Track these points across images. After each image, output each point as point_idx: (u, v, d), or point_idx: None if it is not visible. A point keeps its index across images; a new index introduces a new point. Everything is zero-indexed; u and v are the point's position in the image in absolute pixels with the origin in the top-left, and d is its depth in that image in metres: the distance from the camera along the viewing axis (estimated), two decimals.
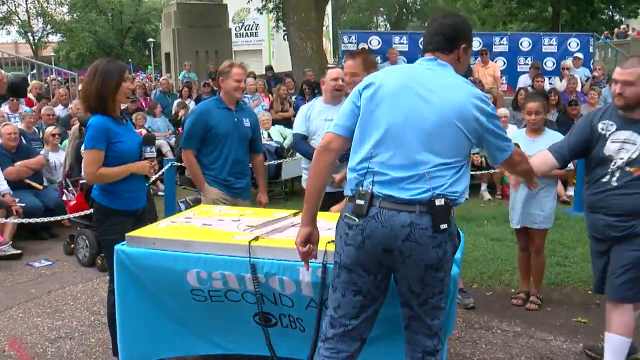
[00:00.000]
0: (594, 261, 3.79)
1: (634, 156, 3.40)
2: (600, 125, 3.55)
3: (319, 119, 4.74)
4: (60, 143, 8.25)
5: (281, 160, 9.01)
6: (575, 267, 5.71)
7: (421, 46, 13.50)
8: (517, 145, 4.52)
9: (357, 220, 2.55)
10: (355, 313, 2.66)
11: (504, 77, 13.77)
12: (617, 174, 3.46)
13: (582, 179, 7.93)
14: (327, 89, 4.80)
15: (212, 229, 3.49)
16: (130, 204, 3.79)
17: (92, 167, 3.64)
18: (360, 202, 2.55)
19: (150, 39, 39.57)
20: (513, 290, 5.17)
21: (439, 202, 2.50)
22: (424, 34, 2.85)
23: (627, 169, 3.42)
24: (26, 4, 41.49)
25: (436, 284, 2.60)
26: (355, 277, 2.62)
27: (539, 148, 4.71)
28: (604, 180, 3.51)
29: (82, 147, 6.59)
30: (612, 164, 3.47)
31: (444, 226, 2.50)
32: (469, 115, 2.58)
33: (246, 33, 33.74)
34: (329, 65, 4.42)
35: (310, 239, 2.78)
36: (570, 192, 8.62)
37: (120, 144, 3.69)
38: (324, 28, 23.71)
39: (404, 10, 53.25)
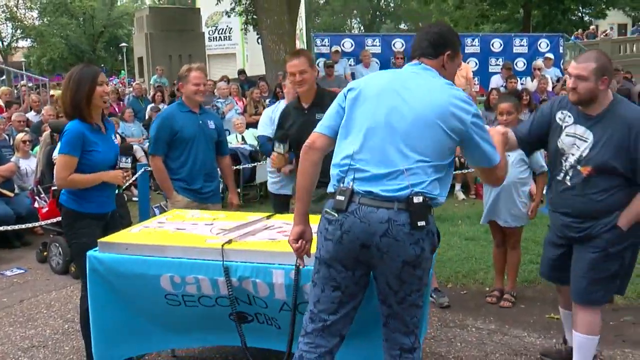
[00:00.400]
0: (545, 247, 3.77)
1: (584, 154, 3.33)
2: (559, 115, 3.50)
3: None
4: (32, 150, 8.15)
5: (255, 164, 8.99)
6: None
7: (394, 48, 13.66)
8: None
9: (336, 215, 2.60)
10: (334, 308, 2.70)
11: (476, 78, 13.88)
12: (570, 173, 3.40)
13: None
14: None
15: (185, 233, 3.48)
16: (98, 207, 3.78)
17: (63, 172, 3.65)
18: (340, 197, 2.60)
19: (123, 44, 39.26)
20: (487, 289, 5.22)
21: (417, 199, 2.53)
22: (411, 44, 2.91)
23: (578, 167, 3.36)
24: None
25: (414, 282, 2.62)
26: (334, 273, 2.66)
27: (517, 151, 4.77)
28: (559, 179, 3.47)
29: (54, 154, 6.54)
30: (564, 159, 3.42)
31: (421, 223, 2.54)
32: (450, 114, 2.62)
33: (219, 37, 33.63)
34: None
35: (303, 236, 2.82)
36: (543, 190, 8.72)
37: (94, 153, 3.69)
38: (298, 31, 23.70)
39: (377, 12, 53.51)
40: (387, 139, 2.61)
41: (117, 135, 4.26)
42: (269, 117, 4.95)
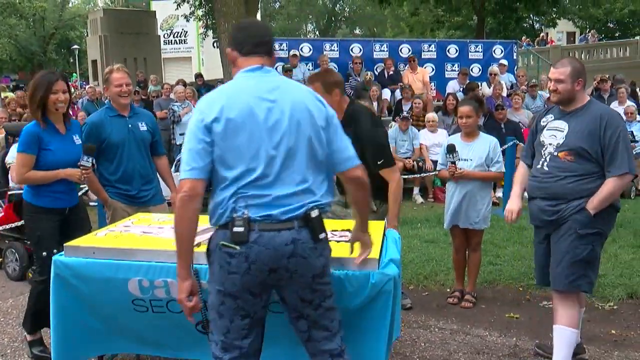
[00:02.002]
0: (534, 251, 4.01)
1: (560, 142, 3.66)
2: (542, 120, 3.88)
3: None
4: None
5: None
6: (507, 265, 5.93)
7: (352, 53, 13.77)
8: (452, 146, 4.69)
9: (238, 248, 2.51)
10: (246, 334, 2.64)
11: (432, 83, 14.12)
12: (548, 159, 3.71)
13: (510, 181, 8.28)
14: None
15: (152, 237, 3.46)
16: (52, 202, 4.06)
17: (20, 169, 3.98)
18: (238, 229, 2.49)
19: (75, 46, 38.52)
20: (448, 290, 5.32)
21: (314, 213, 2.56)
22: (239, 38, 2.74)
23: (555, 153, 3.67)
24: None
25: (325, 289, 2.67)
26: (242, 303, 2.59)
27: (475, 151, 4.93)
28: (538, 166, 3.78)
29: (7, 158, 6.41)
30: (544, 149, 3.74)
31: (322, 235, 2.59)
32: (319, 116, 2.64)
33: (175, 40, 33.35)
34: None
35: (192, 291, 2.66)
36: (499, 193, 8.93)
37: (46, 152, 3.98)
38: None
39: (333, 17, 53.80)
40: (271, 162, 2.56)
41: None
42: None
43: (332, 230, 3.51)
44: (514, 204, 4.00)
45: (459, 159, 4.88)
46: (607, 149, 3.55)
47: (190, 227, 2.56)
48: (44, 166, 3.98)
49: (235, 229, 2.49)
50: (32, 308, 4.17)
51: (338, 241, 3.30)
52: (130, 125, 4.60)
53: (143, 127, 4.68)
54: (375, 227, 3.60)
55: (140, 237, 3.46)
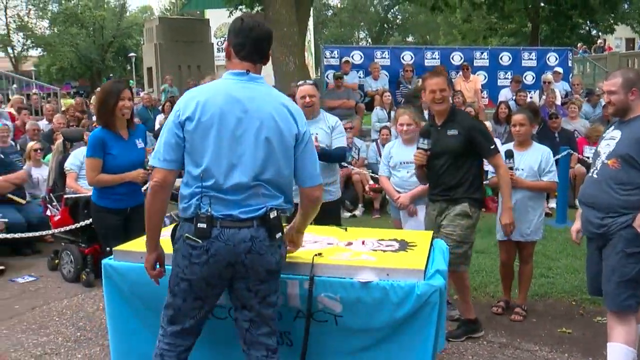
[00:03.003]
0: (586, 260, 3.94)
1: (612, 149, 3.60)
2: (606, 131, 3.86)
3: None
4: (43, 158, 8.20)
5: None
6: (559, 278, 5.78)
7: (403, 61, 13.70)
8: (510, 152, 4.67)
9: (200, 242, 2.70)
10: (194, 314, 2.87)
11: (485, 91, 13.91)
12: (599, 167, 3.65)
13: (564, 192, 8.10)
14: (299, 106, 4.90)
15: None
16: (113, 203, 4.55)
17: (90, 173, 4.49)
18: (201, 225, 2.68)
19: (132, 54, 39.49)
20: (498, 301, 5.21)
21: (273, 214, 2.75)
22: (240, 40, 2.79)
23: (606, 161, 3.61)
24: (6, 18, 41.22)
25: (273, 283, 2.86)
26: (197, 289, 2.81)
27: (527, 161, 4.85)
28: (590, 174, 3.74)
29: (65, 164, 6.60)
30: (598, 158, 3.69)
31: (279, 235, 2.79)
32: (287, 127, 2.77)
33: None
34: (299, 83, 4.51)
35: (158, 262, 2.96)
36: (553, 204, 8.72)
37: (109, 156, 4.44)
38: (306, 43, 23.83)
39: (385, 25, 53.70)
40: (236, 162, 2.72)
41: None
42: None
43: (379, 240, 3.49)
44: (578, 224, 3.92)
45: (513, 167, 4.81)
46: None
47: (158, 213, 2.85)
48: (107, 169, 4.45)
49: (199, 225, 2.69)
50: None
51: (384, 251, 3.28)
52: None
53: None
54: (423, 237, 3.57)
55: None
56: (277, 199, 2.79)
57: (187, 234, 2.72)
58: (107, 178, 4.46)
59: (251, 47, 2.78)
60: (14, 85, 16.27)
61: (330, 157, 4.90)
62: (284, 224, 2.93)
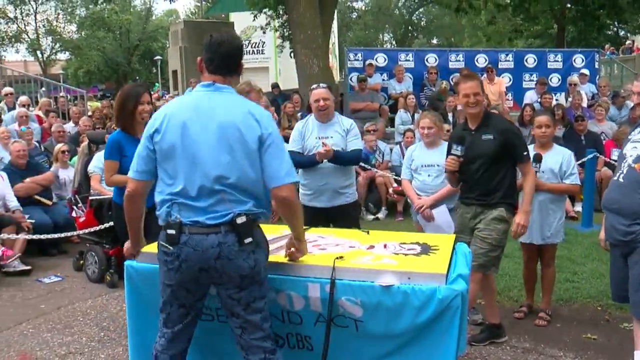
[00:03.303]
0: (610, 267, 3.87)
1: (639, 152, 3.55)
2: (631, 133, 3.80)
3: (313, 137, 4.90)
4: (70, 160, 8.31)
5: None
6: (584, 283, 5.70)
7: (427, 63, 13.65)
8: (539, 156, 4.63)
9: (171, 248, 2.82)
10: (181, 320, 2.99)
11: (509, 94, 13.79)
12: (625, 171, 3.58)
13: (590, 195, 7.99)
14: (313, 110, 4.95)
15: None
16: None
17: (106, 173, 4.61)
18: (171, 231, 2.81)
19: (158, 57, 39.87)
20: (521, 307, 5.15)
21: (241, 220, 2.78)
22: (210, 55, 2.94)
23: (633, 165, 3.53)
24: (35, 22, 41.88)
25: (254, 289, 2.87)
26: (178, 295, 2.93)
27: (548, 164, 4.79)
28: (615, 178, 3.67)
29: (89, 166, 6.68)
30: (624, 161, 3.61)
31: (248, 240, 2.79)
32: (250, 132, 2.80)
33: (253, 50, 33.90)
34: (313, 86, 4.57)
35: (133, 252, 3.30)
36: (578, 207, 8.61)
37: (125, 158, 4.45)
38: (330, 45, 23.83)
39: (410, 27, 53.51)
40: (200, 171, 2.81)
41: None
42: (299, 132, 5.01)
43: (401, 243, 3.48)
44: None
45: (538, 171, 4.77)
46: None
47: (135, 220, 3.13)
48: (123, 171, 4.35)
49: (169, 231, 2.82)
50: None
51: (406, 254, 3.26)
52: None
53: None
54: (445, 241, 3.55)
55: None
56: (245, 204, 2.82)
57: (160, 241, 2.89)
58: (121, 179, 4.44)
59: (219, 61, 2.91)
60: (43, 89, 16.50)
61: (344, 159, 4.90)
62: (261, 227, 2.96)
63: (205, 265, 2.79)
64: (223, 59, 2.91)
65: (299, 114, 11.66)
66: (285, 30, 21.04)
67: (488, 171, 4.23)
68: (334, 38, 30.48)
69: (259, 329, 2.91)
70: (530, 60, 14.37)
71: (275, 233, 3.75)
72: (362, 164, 8.55)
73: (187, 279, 2.86)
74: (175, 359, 3.04)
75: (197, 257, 2.78)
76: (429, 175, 4.98)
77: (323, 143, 4.75)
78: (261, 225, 3.96)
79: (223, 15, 32.97)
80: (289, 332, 3.21)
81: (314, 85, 5.09)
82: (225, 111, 2.83)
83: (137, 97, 4.51)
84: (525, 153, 4.26)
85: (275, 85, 15.89)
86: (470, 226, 4.32)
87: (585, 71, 13.48)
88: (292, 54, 16.93)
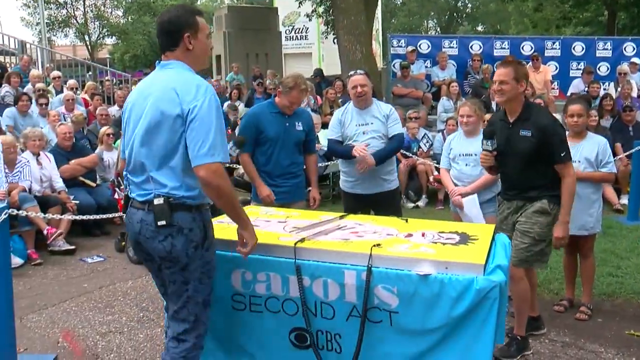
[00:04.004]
0: None
1: None
2: None
3: (353, 125, 4.89)
4: (114, 142, 8.45)
5: (328, 163, 9.06)
6: (629, 278, 5.56)
7: (471, 51, 13.44)
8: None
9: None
10: (160, 290, 3.13)
11: (555, 82, 13.49)
12: None
13: (637, 187, 7.78)
14: (351, 96, 4.94)
15: (258, 230, 3.50)
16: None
17: None
18: (126, 204, 3.05)
19: None
20: (561, 300, 5.05)
21: (158, 201, 2.80)
22: (157, 34, 3.04)
23: None
24: (84, 7, 42.59)
25: (176, 273, 2.87)
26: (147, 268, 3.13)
27: (582, 153, 4.69)
28: None
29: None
30: None
31: (161, 223, 2.79)
32: (169, 108, 2.76)
33: (296, 36, 33.88)
34: (350, 73, 4.55)
35: None
36: (624, 200, 8.39)
37: None
38: (374, 32, 23.65)
39: (455, 14, 52.72)
40: (135, 149, 2.90)
41: None
42: (339, 120, 5.02)
43: (440, 232, 3.43)
44: None
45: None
46: None
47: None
48: None
49: (127, 205, 3.04)
50: None
51: (444, 243, 3.22)
52: (287, 124, 4.90)
53: (299, 126, 4.99)
54: (484, 231, 3.49)
55: None
56: (164, 186, 2.82)
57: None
58: None
59: (160, 38, 2.98)
60: (90, 73, 16.82)
61: (388, 155, 4.89)
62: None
63: (134, 238, 2.95)
64: (162, 36, 2.96)
65: (340, 100, 11.63)
66: (329, 16, 20.95)
67: (527, 169, 4.03)
68: (377, 24, 30.21)
69: (175, 311, 2.94)
70: (578, 48, 14.01)
71: (314, 219, 3.75)
72: (403, 151, 8.48)
73: (135, 249, 3.06)
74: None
75: (130, 229, 2.96)
76: (466, 165, 4.90)
77: (361, 150, 4.75)
78: (300, 211, 3.96)
79: (267, 1, 33.03)
80: (319, 329, 3.16)
81: (351, 72, 5.08)
82: (155, 89, 2.86)
83: None
84: (563, 154, 3.95)
85: (318, 72, 15.85)
86: (512, 221, 4.16)
87: (636, 60, 13.07)
88: (334, 40, 16.84)
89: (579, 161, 4.68)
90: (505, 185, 4.26)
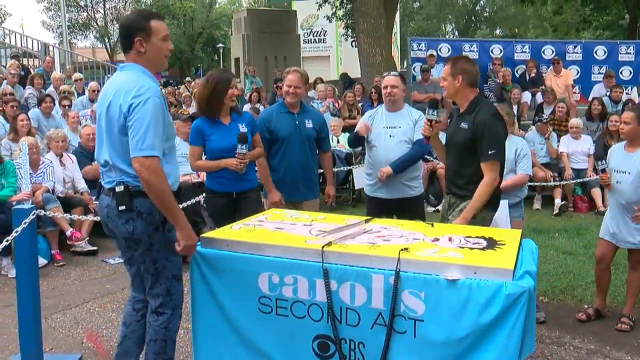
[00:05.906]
0: None
1: None
2: None
3: (380, 125, 4.90)
4: None
5: (350, 167, 9.06)
6: None
7: (492, 54, 13.37)
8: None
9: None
10: (127, 269, 3.47)
11: (577, 87, 13.39)
12: None
13: None
14: (383, 96, 4.98)
15: (285, 233, 3.51)
16: (220, 187, 4.70)
17: (191, 159, 4.75)
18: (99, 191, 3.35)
19: (220, 45, 40.33)
20: (586, 306, 4.99)
21: (119, 188, 3.15)
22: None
23: None
24: (104, 10, 42.97)
25: (143, 253, 3.23)
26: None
27: (634, 163, 4.49)
28: None
29: None
30: None
31: (122, 207, 3.14)
32: (117, 111, 3.08)
33: (314, 39, 33.98)
34: (384, 74, 4.56)
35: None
36: None
37: (208, 141, 4.62)
38: (393, 35, 23.67)
39: (473, 18, 52.53)
40: (101, 144, 3.24)
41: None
42: (369, 116, 5.12)
43: (466, 237, 3.41)
44: None
45: (607, 167, 4.58)
46: None
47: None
48: (208, 153, 4.67)
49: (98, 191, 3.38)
50: None
51: (472, 248, 3.20)
52: (297, 122, 5.00)
53: (309, 124, 5.07)
54: (511, 236, 3.47)
55: (273, 232, 3.53)
56: (123, 175, 3.16)
57: None
58: (203, 164, 4.74)
59: (121, 41, 3.28)
60: (109, 75, 16.96)
61: (409, 159, 4.89)
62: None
63: (104, 221, 3.32)
64: (120, 38, 3.23)
65: (360, 105, 11.62)
66: (349, 19, 20.98)
67: (462, 164, 3.97)
68: (396, 28, 30.22)
69: (155, 285, 3.30)
70: (600, 52, 13.90)
71: (339, 222, 3.74)
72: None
73: (105, 229, 3.38)
74: (137, 308, 3.49)
75: (100, 214, 3.33)
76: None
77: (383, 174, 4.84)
78: (325, 214, 3.98)
79: (286, 4, 33.11)
80: (344, 338, 3.12)
81: (386, 73, 5.12)
82: (112, 89, 3.15)
83: (228, 81, 4.63)
84: (491, 152, 3.81)
85: (345, 78, 15.80)
86: (447, 217, 4.10)
87: None
88: (353, 43, 16.86)
89: (629, 172, 4.49)
90: (445, 178, 4.29)
